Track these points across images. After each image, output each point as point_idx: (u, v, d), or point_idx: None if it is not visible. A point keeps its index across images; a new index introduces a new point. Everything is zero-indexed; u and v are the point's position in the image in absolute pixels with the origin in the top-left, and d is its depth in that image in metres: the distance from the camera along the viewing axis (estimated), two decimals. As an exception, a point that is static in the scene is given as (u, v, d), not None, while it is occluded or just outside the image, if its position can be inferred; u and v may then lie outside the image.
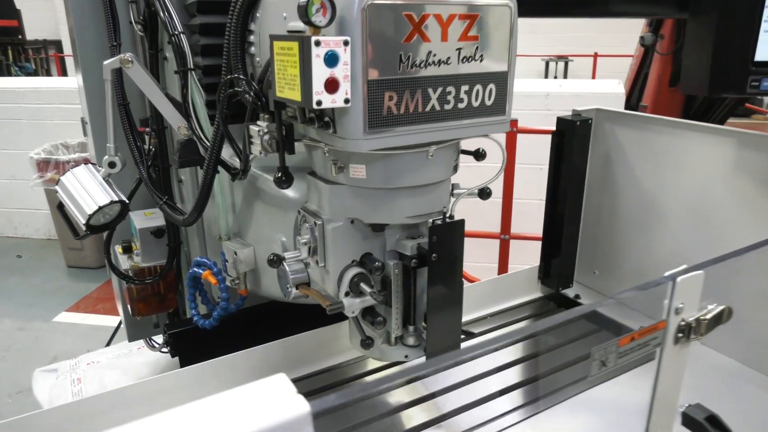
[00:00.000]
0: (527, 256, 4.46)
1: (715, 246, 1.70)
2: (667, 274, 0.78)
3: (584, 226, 2.06)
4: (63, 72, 13.88)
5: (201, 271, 1.61)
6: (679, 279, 0.76)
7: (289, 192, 1.39)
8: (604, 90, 4.92)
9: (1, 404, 3.68)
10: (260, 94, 1.22)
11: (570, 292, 2.10)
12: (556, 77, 11.90)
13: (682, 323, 0.79)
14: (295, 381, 1.63)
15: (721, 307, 0.82)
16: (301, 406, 0.45)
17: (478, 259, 4.35)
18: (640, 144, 1.87)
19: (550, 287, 2.09)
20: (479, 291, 1.98)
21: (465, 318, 1.87)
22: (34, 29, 13.40)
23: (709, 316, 0.80)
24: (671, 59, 6.59)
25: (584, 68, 11.49)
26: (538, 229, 4.86)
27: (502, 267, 3.87)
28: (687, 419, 0.85)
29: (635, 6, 1.54)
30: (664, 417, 0.84)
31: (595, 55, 10.78)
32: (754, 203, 1.58)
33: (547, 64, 11.99)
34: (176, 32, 1.55)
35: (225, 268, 1.62)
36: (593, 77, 10.81)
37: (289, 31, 1.10)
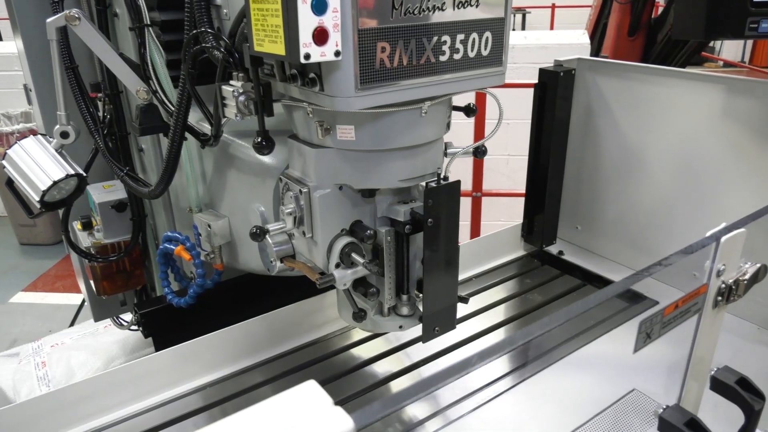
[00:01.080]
0: (498, 212, 4.46)
1: (701, 197, 1.68)
2: (709, 234, 0.72)
3: (566, 181, 2.01)
4: (-5, 36, 12.90)
5: (172, 246, 1.50)
6: (723, 239, 0.70)
7: (266, 158, 1.28)
8: (569, 41, 4.86)
9: (-40, 391, 3.50)
10: (232, 50, 1.10)
11: (553, 249, 2.06)
12: (514, 29, 11.78)
13: (722, 286, 0.74)
14: (279, 357, 1.56)
15: (757, 266, 0.77)
16: (343, 422, 0.37)
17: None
18: (623, 93, 1.81)
19: (534, 245, 2.06)
20: (463, 252, 1.91)
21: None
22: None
23: (747, 276, 0.75)
24: (629, 9, 6.56)
25: (542, 20, 11.40)
26: (507, 185, 4.84)
27: (475, 225, 3.84)
28: (717, 383, 0.81)
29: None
30: (698, 381, 0.80)
31: (553, 6, 10.69)
32: (744, 151, 1.55)
33: (504, 16, 11.85)
34: (127, -16, 1.39)
35: (198, 242, 1.51)
36: (551, 29, 10.74)
37: (262, -23, 0.98)
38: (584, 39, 4.95)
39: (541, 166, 1.91)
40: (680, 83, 1.65)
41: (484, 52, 1.05)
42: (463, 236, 3.40)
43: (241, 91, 1.07)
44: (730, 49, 11.78)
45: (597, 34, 8.15)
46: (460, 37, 1.00)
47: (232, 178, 1.42)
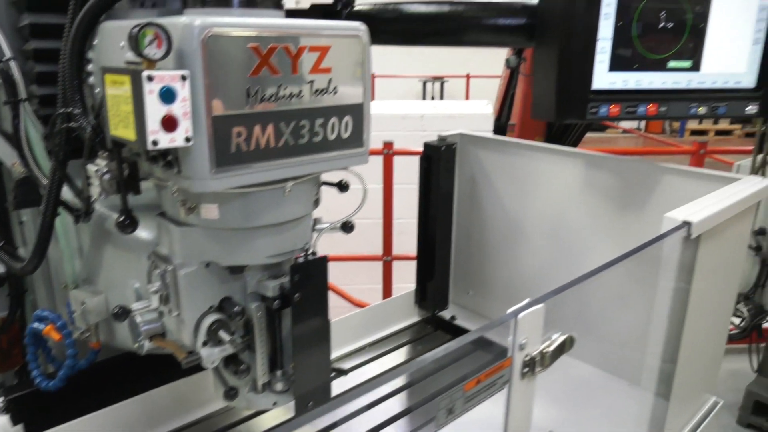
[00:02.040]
0: (412, 275, 4.54)
1: (571, 261, 1.80)
2: (509, 311, 0.79)
3: (456, 248, 2.10)
4: None
5: (42, 326, 1.43)
6: (520, 316, 0.77)
7: (142, 233, 1.27)
8: (475, 111, 5.16)
9: None
10: (98, 129, 1.11)
11: (446, 314, 2.12)
12: (433, 97, 12.35)
13: (527, 358, 0.80)
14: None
15: (563, 337, 0.84)
16: None
17: (363, 281, 4.36)
18: (502, 166, 1.94)
19: (427, 310, 2.11)
20: (357, 321, 1.95)
21: (342, 351, 1.83)
22: None
23: (552, 348, 0.82)
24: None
25: (459, 88, 12.03)
26: (419, 248, 4.91)
27: (386, 288, 3.89)
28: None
29: (487, 36, 1.60)
30: None
31: (468, 76, 11.33)
32: (602, 219, 1.69)
33: (424, 84, 12.42)
34: (3, 59, 1.39)
35: (72, 320, 1.46)
36: (467, 97, 11.34)
37: (126, 62, 1.01)
38: (488, 109, 5.27)
39: (429, 233, 1.99)
40: (547, 157, 1.80)
41: (345, 135, 1.11)
42: (376, 299, 3.43)
43: (105, 170, 1.08)
44: (628, 117, 12.82)
45: (506, 103, 8.62)
46: (320, 121, 1.06)
47: (108, 253, 1.40)
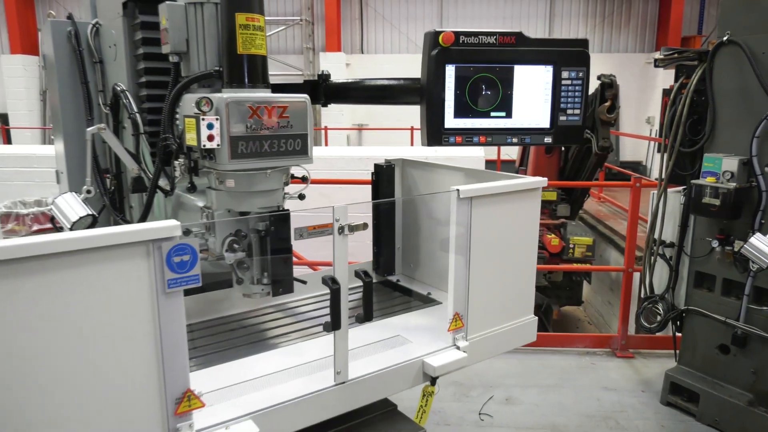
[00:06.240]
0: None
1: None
2: (335, 205, 1.87)
3: (402, 237, 3.17)
4: (8, 141, 14.54)
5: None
6: (337, 206, 1.86)
7: (199, 202, 2.44)
8: (471, 154, 6.24)
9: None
10: (181, 145, 2.28)
11: (393, 278, 3.17)
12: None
13: (341, 225, 1.88)
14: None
15: (361, 222, 1.92)
16: None
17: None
18: (427, 179, 3.02)
19: (380, 275, 3.17)
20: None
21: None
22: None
23: (357, 223, 1.89)
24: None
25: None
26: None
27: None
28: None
29: (407, 98, 2.69)
30: (340, 277, 1.91)
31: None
32: (473, 209, 2.73)
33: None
34: (134, 112, 2.62)
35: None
36: (498, 147, 12.39)
37: (194, 112, 2.18)
38: (480, 153, 6.35)
39: (380, 225, 3.06)
40: (449, 172, 2.87)
41: (298, 148, 2.24)
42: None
43: (183, 163, 2.25)
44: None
45: (525, 155, 9.86)
46: (284, 140, 2.20)
47: (180, 214, 2.57)
